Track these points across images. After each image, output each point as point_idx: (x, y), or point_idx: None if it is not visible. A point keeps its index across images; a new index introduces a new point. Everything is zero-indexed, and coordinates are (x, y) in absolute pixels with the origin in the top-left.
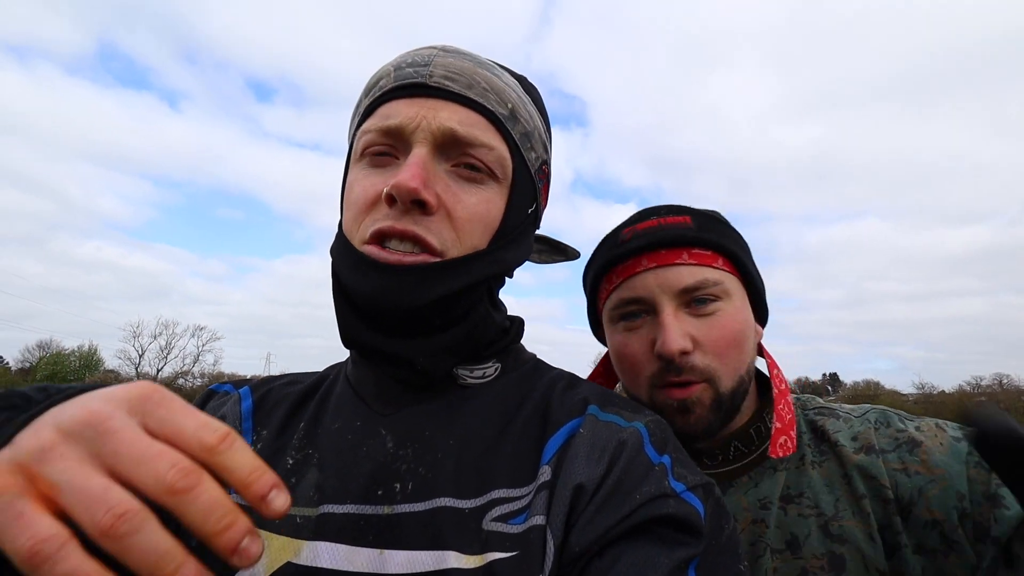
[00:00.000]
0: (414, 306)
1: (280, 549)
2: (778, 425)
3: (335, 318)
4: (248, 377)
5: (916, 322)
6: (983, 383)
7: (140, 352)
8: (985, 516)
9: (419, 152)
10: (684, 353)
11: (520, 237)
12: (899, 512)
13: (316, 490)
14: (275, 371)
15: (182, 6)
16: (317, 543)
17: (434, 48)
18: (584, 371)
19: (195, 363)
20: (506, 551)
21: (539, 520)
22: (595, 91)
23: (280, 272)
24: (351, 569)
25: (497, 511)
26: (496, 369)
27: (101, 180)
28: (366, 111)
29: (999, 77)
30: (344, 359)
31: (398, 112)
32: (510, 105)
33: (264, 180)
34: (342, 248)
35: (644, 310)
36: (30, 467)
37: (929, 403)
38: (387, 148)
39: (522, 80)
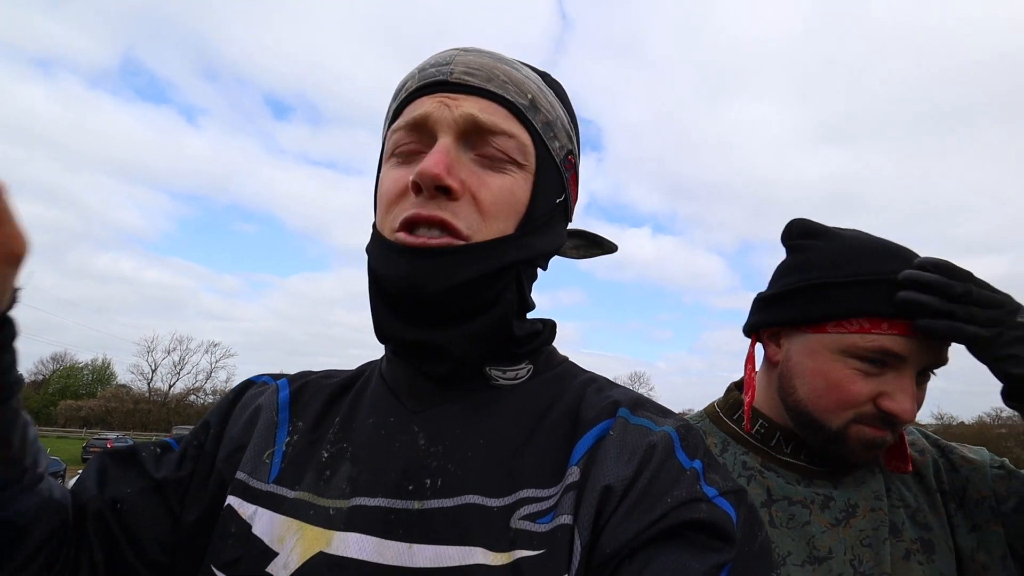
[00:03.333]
0: (440, 289)
1: (313, 539)
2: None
3: (371, 318)
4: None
5: None
6: (1003, 415)
7: (153, 367)
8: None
9: (443, 141)
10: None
11: (548, 226)
12: (955, 499)
13: (349, 483)
14: None
15: (208, 24)
16: (348, 534)
17: (456, 49)
18: None
19: (207, 379)
20: (533, 549)
21: (566, 520)
22: (610, 116)
23: (294, 289)
24: (380, 561)
25: (525, 510)
26: (528, 370)
27: (119, 192)
28: (394, 114)
29: None
30: (379, 357)
31: (421, 107)
32: (530, 96)
33: (279, 197)
34: (375, 242)
35: (890, 365)
36: None
37: (948, 434)
38: (414, 143)
39: (545, 75)
